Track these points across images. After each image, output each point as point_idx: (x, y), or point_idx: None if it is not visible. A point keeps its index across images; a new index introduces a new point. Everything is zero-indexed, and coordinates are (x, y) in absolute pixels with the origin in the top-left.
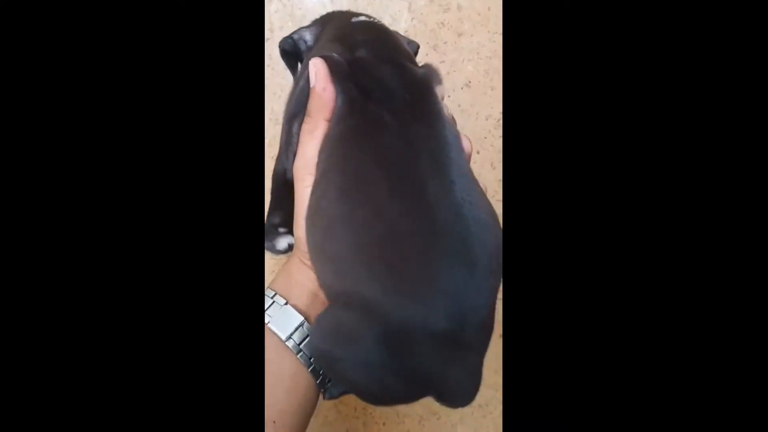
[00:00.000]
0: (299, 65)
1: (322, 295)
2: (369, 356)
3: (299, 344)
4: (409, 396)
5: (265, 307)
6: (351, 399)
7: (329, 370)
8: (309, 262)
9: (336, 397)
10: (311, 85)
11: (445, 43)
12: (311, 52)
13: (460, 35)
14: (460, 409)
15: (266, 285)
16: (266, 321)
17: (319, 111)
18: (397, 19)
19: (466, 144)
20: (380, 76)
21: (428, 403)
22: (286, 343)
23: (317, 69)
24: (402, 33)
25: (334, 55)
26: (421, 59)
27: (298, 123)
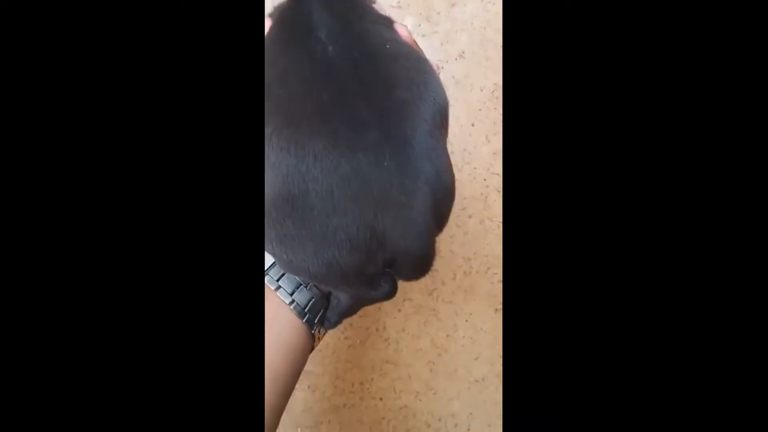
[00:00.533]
0: None
1: None
2: (286, 220)
3: (277, 280)
4: (364, 255)
5: None
6: (349, 375)
7: (293, 270)
8: None
9: (336, 324)
10: None
11: (438, 13)
12: None
13: (453, 5)
14: (456, 384)
15: None
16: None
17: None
18: None
19: (402, 31)
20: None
21: (426, 378)
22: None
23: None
24: (394, 4)
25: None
26: (413, 30)
27: None
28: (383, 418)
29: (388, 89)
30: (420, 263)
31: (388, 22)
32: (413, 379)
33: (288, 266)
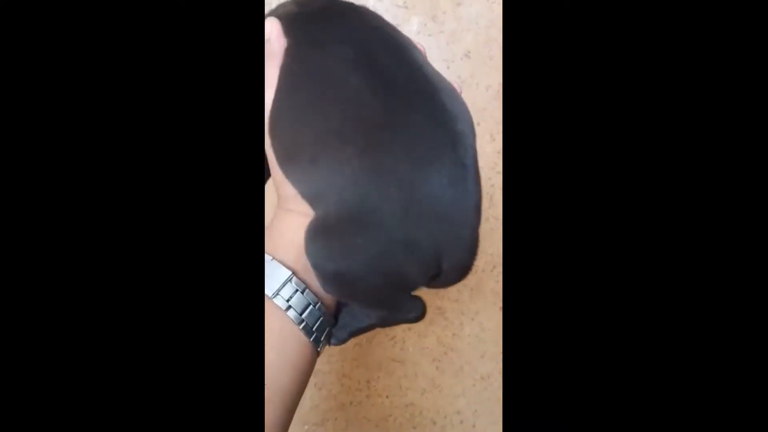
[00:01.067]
0: None
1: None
2: (374, 246)
3: (288, 300)
4: (424, 268)
5: None
6: (355, 372)
7: (343, 286)
8: (293, 207)
9: (344, 341)
10: (266, 42)
11: (444, 12)
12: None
13: (458, 5)
14: (462, 382)
15: None
16: None
17: (272, 59)
18: None
19: (424, 53)
20: (325, 13)
21: (432, 376)
22: (274, 300)
23: (271, 26)
24: (400, 4)
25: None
26: (419, 30)
27: None
28: (389, 415)
29: (454, 121)
30: (463, 274)
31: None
32: (419, 377)
33: (340, 279)
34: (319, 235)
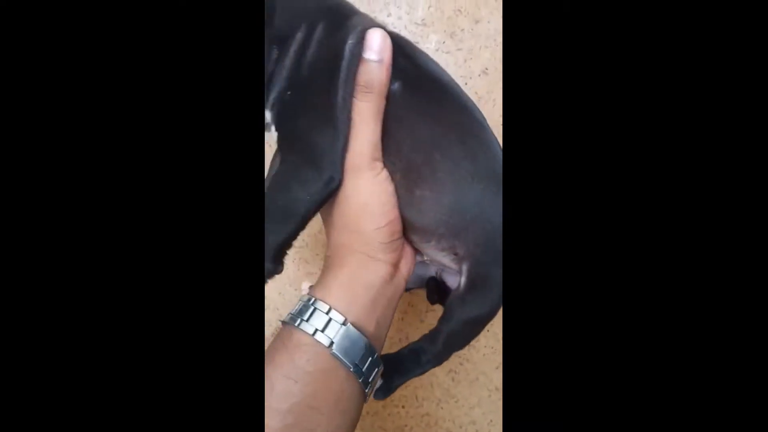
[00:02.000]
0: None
1: (386, 296)
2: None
3: (362, 368)
4: None
5: (322, 325)
6: None
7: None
8: (381, 256)
9: (393, 392)
10: (373, 58)
11: (462, 30)
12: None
13: (477, 22)
14: (477, 392)
15: (311, 291)
16: (327, 343)
17: (384, 87)
18: (414, 7)
19: None
20: (413, 51)
21: (447, 386)
22: (352, 369)
23: (385, 43)
24: (419, 21)
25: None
26: (437, 47)
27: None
28: (405, 425)
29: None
30: None
31: None
32: (435, 388)
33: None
34: (473, 291)
